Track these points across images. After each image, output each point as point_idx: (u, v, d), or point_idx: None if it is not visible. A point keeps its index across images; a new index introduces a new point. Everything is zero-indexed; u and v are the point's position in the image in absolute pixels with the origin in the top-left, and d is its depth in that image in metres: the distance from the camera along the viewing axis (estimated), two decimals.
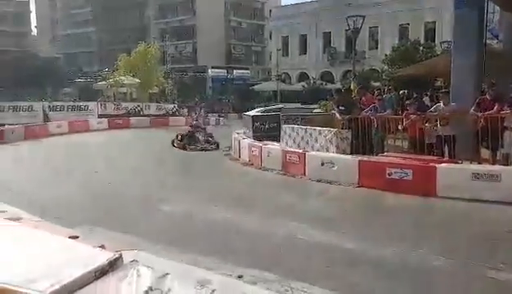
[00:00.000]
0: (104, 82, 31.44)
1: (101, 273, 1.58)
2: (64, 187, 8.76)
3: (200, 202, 7.61)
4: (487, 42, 13.86)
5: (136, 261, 1.62)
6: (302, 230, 5.75)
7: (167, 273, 1.52)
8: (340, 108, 10.75)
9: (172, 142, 16.18)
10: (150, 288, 1.45)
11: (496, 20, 17.33)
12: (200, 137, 15.98)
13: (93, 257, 1.70)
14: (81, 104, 27.11)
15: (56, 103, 26.34)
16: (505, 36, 15.06)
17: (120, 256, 1.64)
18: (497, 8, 15.52)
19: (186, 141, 15.77)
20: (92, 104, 26.72)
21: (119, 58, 31.52)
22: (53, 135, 20.25)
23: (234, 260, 4.58)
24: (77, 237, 3.43)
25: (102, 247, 2.58)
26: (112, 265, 1.59)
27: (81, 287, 1.48)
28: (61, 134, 20.74)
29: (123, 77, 29.92)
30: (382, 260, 4.73)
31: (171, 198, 7.79)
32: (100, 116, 25.81)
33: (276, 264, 4.53)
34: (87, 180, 9.50)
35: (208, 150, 15.30)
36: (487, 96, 8.84)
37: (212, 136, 16.40)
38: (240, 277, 4.09)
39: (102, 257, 1.65)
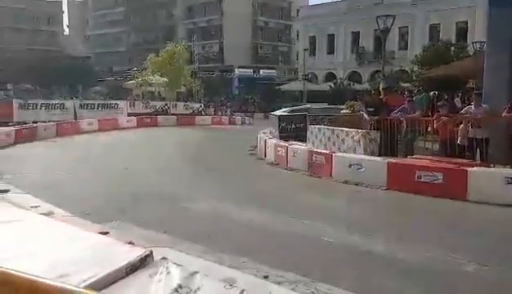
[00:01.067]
0: (133, 81, 32.04)
1: (132, 269, 1.60)
2: (94, 183, 8.98)
3: (226, 201, 7.65)
4: None
5: (166, 259, 1.64)
6: (328, 232, 5.69)
7: (196, 272, 1.53)
8: (368, 109, 10.60)
9: None
10: (180, 286, 1.47)
11: None
12: None
13: (124, 253, 1.74)
14: (111, 102, 27.74)
15: (86, 101, 27.08)
16: None
17: (151, 252, 1.67)
18: None
19: None
20: (121, 103, 27.31)
21: (148, 57, 32.04)
22: (84, 132, 20.78)
23: (259, 260, 4.57)
24: (107, 233, 3.51)
25: (131, 243, 2.62)
26: (143, 262, 1.62)
27: (113, 283, 1.51)
28: (92, 131, 21.29)
29: (151, 77, 30.43)
30: (410, 263, 4.63)
31: (197, 197, 7.86)
32: (129, 114, 26.34)
33: (301, 265, 4.50)
34: (118, 177, 9.71)
35: None
36: None
37: None
38: (265, 277, 4.09)
39: (133, 254, 1.68)
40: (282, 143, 12.20)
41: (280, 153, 11.90)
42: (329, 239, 5.45)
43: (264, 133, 14.86)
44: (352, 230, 5.79)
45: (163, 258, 1.61)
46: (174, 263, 1.56)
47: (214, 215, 6.78)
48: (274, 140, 12.97)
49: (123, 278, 1.53)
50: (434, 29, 35.37)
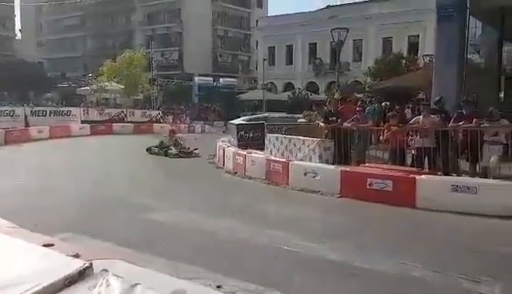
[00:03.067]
0: (87, 88, 31.14)
1: (70, 282, 1.55)
2: (44, 193, 8.61)
3: (183, 210, 7.57)
4: (469, 56, 14.23)
5: (107, 271, 1.59)
6: (283, 240, 5.74)
7: (137, 283, 1.50)
8: (324, 118, 10.86)
9: (148, 149, 16.07)
10: None
11: (478, 36, 17.80)
12: (179, 143, 16.05)
13: (64, 266, 1.67)
14: (63, 109, 26.83)
15: (38, 108, 26.01)
16: (485, 51, 15.47)
17: (91, 265, 1.62)
18: (479, 23, 15.93)
19: (167, 146, 15.77)
20: (74, 110, 26.47)
21: (104, 63, 31.29)
22: (34, 140, 19.94)
23: (214, 269, 4.55)
24: (52, 245, 3.36)
25: (77, 255, 2.53)
26: (82, 274, 1.56)
27: None
28: (43, 139, 20.46)
29: (106, 83, 29.70)
30: (363, 270, 4.75)
31: (154, 207, 7.71)
32: (82, 121, 25.53)
33: (256, 273, 4.51)
34: (68, 187, 9.36)
35: (184, 157, 15.23)
36: (463, 111, 9.04)
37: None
38: (218, 287, 4.07)
39: (72, 266, 1.62)
40: (240, 151, 12.23)
41: (238, 161, 11.93)
42: (287, 247, 5.49)
43: (223, 142, 14.85)
44: (309, 238, 5.87)
45: (104, 270, 1.56)
46: (115, 275, 1.52)
47: (170, 224, 6.67)
48: (232, 149, 12.99)
49: (59, 291, 1.47)
50: (387, 42, 36.86)
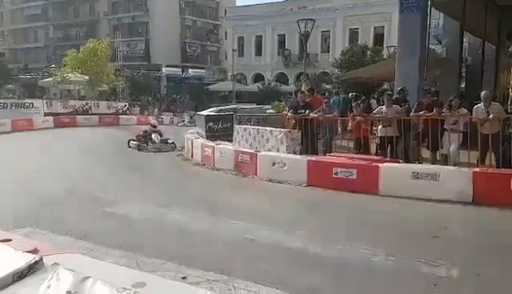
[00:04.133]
0: (50, 79, 30.13)
1: (20, 277, 1.53)
2: (3, 188, 8.32)
3: (148, 203, 7.48)
4: (431, 47, 14.62)
5: (57, 264, 1.58)
6: (249, 230, 5.79)
7: (88, 277, 1.50)
8: (292, 109, 10.95)
9: (128, 142, 15.70)
10: (69, 292, 1.42)
11: (441, 26, 18.31)
12: (155, 138, 15.50)
13: (13, 260, 1.65)
14: (25, 101, 25.90)
15: None
16: (447, 41, 15.94)
17: (41, 259, 1.60)
18: (441, 14, 16.38)
19: (142, 141, 15.36)
20: (37, 102, 25.61)
21: (67, 54, 30.32)
22: None
23: (179, 261, 4.54)
24: (9, 240, 3.29)
25: (34, 250, 2.49)
26: (31, 268, 1.55)
27: None
28: (4, 133, 19.73)
29: (70, 74, 28.82)
30: (324, 257, 4.86)
31: (117, 200, 7.59)
32: (46, 114, 24.77)
33: (222, 264, 4.53)
34: (29, 182, 9.08)
35: (163, 151, 14.89)
36: (424, 101, 9.33)
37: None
38: (184, 278, 4.08)
39: (22, 260, 1.60)
40: (209, 143, 12.19)
41: (206, 153, 11.89)
42: (251, 237, 5.54)
43: (191, 133, 14.75)
44: (273, 227, 5.95)
45: (55, 264, 1.55)
46: (66, 268, 1.51)
47: (135, 217, 6.60)
48: (201, 140, 12.92)
49: (8, 286, 1.45)
50: (354, 34, 37.37)
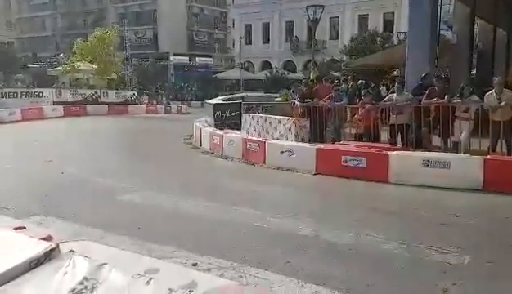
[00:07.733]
0: (59, 68, 30.25)
1: (37, 263, 1.55)
2: (16, 177, 8.43)
3: (159, 191, 7.53)
4: (442, 33, 14.41)
5: (73, 251, 1.60)
6: (259, 218, 5.81)
7: (104, 263, 1.51)
8: (306, 100, 10.88)
9: None
10: (86, 278, 1.44)
11: (451, 12, 17.99)
12: None
13: (30, 248, 1.67)
14: (35, 90, 26.12)
15: (8, 89, 25.24)
16: (458, 28, 15.67)
17: (57, 246, 1.62)
18: (452, 0, 16.10)
19: None
20: (46, 91, 25.80)
21: (75, 42, 30.38)
22: (5, 122, 19.38)
23: (190, 249, 4.58)
24: (23, 228, 3.33)
25: (48, 238, 2.52)
26: (48, 256, 1.57)
27: (14, 278, 1.45)
28: (14, 121, 19.94)
29: (79, 63, 28.90)
30: (334, 244, 4.87)
31: (130, 188, 7.64)
32: (55, 103, 24.93)
33: (232, 251, 4.57)
34: (42, 170, 9.18)
35: None
36: (436, 88, 9.19)
37: None
38: (194, 265, 4.11)
39: (39, 248, 1.62)
40: (217, 131, 12.20)
41: (215, 141, 11.90)
42: (261, 224, 5.56)
43: (200, 122, 14.76)
44: (283, 215, 5.96)
45: (71, 251, 1.56)
46: (81, 255, 1.52)
47: (146, 205, 6.65)
48: (209, 129, 12.93)
49: (25, 272, 1.47)
50: (363, 20, 36.92)
